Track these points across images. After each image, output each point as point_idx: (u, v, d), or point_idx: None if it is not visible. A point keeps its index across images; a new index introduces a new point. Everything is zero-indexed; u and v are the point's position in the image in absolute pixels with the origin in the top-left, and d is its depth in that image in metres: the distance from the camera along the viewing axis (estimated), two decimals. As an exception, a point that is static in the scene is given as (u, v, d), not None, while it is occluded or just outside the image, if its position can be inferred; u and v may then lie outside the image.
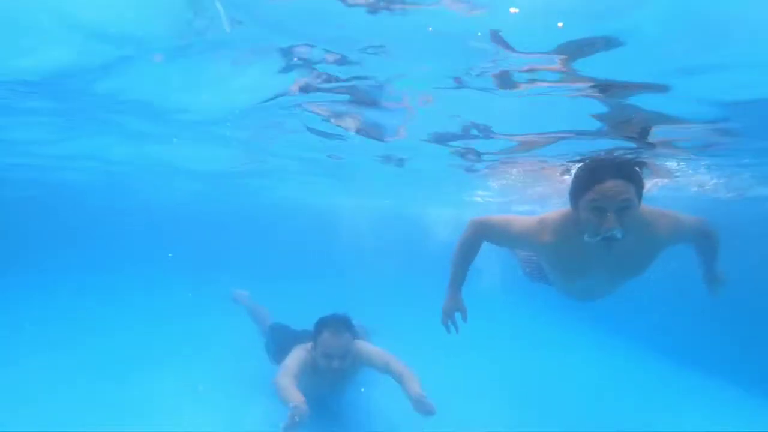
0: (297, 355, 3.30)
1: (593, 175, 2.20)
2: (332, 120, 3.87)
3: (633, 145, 3.67)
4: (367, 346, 3.42)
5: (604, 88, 2.60)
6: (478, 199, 9.28)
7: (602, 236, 2.15)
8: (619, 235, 2.12)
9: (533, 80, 2.55)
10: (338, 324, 3.21)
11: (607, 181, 2.13)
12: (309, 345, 3.33)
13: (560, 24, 1.90)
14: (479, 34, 2.04)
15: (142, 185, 10.99)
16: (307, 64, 2.62)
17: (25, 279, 9.60)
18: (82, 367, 4.60)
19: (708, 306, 3.32)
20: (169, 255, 14.35)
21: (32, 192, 12.23)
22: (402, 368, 3.25)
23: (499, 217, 2.73)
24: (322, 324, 3.25)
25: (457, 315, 2.72)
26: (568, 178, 4.97)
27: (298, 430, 2.63)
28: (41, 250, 13.84)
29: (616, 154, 3.84)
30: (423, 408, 2.92)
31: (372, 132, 4.19)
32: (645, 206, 2.37)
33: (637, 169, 2.31)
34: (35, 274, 10.25)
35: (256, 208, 16.93)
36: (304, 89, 3.07)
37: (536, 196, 7.39)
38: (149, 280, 10.87)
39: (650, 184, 5.05)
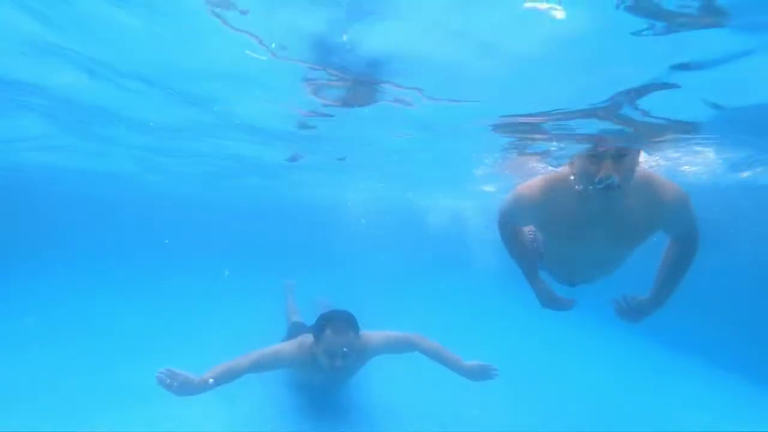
0: (290, 347, 3.15)
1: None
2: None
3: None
4: (374, 336, 3.21)
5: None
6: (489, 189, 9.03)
7: (598, 183, 2.08)
8: (614, 183, 2.06)
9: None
10: (342, 321, 2.97)
11: None
12: (311, 339, 3.11)
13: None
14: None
15: (142, 174, 10.79)
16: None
17: (30, 271, 9.47)
18: (83, 358, 4.57)
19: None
20: (166, 241, 14.33)
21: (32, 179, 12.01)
22: (433, 343, 3.24)
23: (506, 198, 2.68)
24: (325, 321, 2.99)
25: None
26: (541, 165, 4.91)
27: (167, 390, 2.66)
28: (48, 238, 13.84)
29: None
30: (488, 374, 3.14)
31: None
32: (655, 173, 2.31)
33: None
34: (42, 264, 10.10)
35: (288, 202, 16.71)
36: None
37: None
38: (152, 270, 10.81)
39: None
